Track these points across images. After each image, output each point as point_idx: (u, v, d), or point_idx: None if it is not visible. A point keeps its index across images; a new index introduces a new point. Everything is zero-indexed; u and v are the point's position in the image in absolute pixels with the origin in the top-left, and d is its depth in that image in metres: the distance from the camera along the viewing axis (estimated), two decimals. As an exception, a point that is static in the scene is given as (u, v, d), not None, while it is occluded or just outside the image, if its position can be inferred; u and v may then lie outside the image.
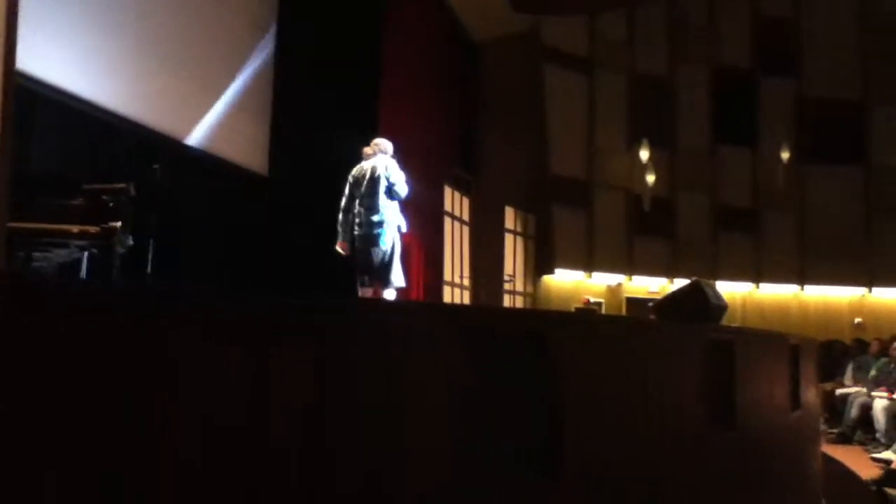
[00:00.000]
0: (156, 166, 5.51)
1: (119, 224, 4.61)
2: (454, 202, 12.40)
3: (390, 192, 6.03)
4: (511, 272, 13.01)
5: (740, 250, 14.58)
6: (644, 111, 14.46)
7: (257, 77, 8.57)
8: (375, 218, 5.97)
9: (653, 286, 14.29)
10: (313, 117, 8.91)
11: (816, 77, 14.74)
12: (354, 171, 6.24)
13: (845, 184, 14.55)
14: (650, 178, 13.54)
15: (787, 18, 15.02)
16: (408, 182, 6.26)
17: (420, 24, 10.68)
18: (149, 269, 5.34)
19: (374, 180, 6.02)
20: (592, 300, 13.86)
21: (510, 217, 13.47)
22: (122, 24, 6.27)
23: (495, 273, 12.69)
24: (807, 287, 14.73)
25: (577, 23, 14.32)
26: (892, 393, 7.61)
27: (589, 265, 14.14)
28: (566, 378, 2.10)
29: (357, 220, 6.08)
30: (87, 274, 4.72)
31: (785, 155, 13.96)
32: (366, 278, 6.12)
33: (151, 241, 5.39)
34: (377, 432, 1.59)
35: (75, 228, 4.60)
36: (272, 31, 8.87)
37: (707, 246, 14.46)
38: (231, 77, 8.04)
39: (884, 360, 8.47)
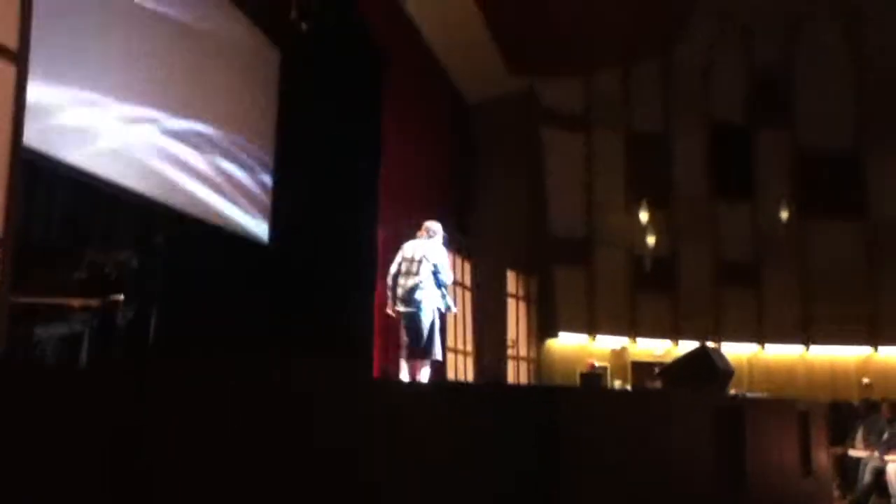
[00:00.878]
0: (158, 239, 5.53)
1: (121, 297, 4.61)
2: (455, 267, 12.40)
3: (436, 278, 6.44)
4: (514, 336, 12.92)
5: (743, 306, 14.50)
6: (641, 168, 14.58)
7: (257, 139, 8.68)
8: (418, 296, 6.33)
9: (657, 349, 14.18)
10: (313, 186, 8.98)
11: (811, 129, 14.87)
12: (406, 248, 6.64)
13: (845, 237, 14.55)
14: (651, 240, 13.58)
15: (780, 71, 15.24)
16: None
17: (417, 87, 10.89)
18: (150, 339, 5.31)
19: (421, 263, 6.42)
20: (597, 364, 13.74)
21: (511, 280, 13.45)
22: (121, 92, 6.37)
23: (498, 339, 12.60)
24: (812, 347, 14.61)
25: (572, 82, 14.55)
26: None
27: (592, 327, 14.06)
28: (578, 452, 2.07)
29: (400, 295, 6.43)
30: (89, 346, 4.68)
31: (784, 212, 14.02)
32: (405, 352, 6.51)
33: (154, 312, 5.37)
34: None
35: (77, 302, 4.59)
36: (274, 94, 9.00)
37: (709, 303, 14.39)
38: (233, 146, 8.13)
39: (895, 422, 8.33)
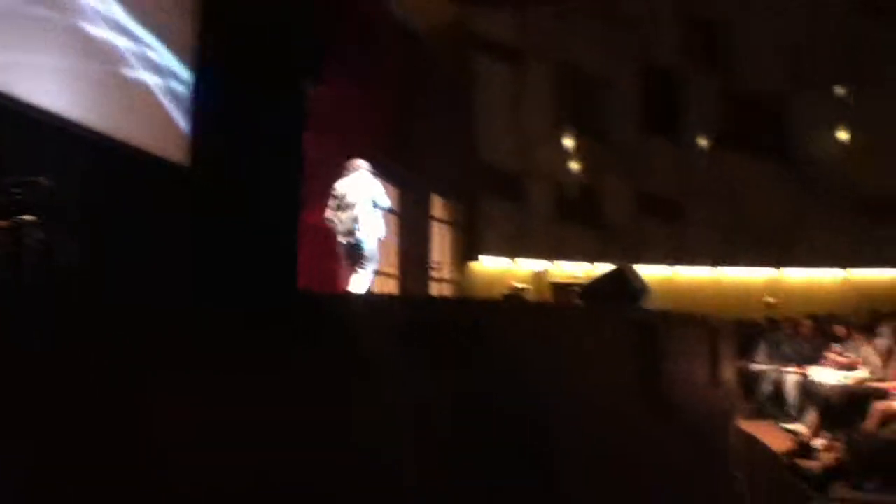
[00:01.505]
0: (76, 161, 5.32)
1: (33, 218, 4.45)
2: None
3: (375, 205, 7.18)
4: (438, 260, 13.07)
5: (663, 238, 15.02)
6: (572, 101, 14.70)
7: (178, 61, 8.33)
8: (357, 225, 7.10)
9: (578, 271, 14.60)
10: (238, 102, 8.69)
11: (740, 70, 15.18)
12: (337, 186, 7.36)
13: (765, 172, 15.10)
14: (577, 167, 13.82)
15: (714, 16, 15.40)
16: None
17: (354, 8, 10.57)
18: (65, 264, 5.15)
19: (354, 196, 7.16)
20: (518, 286, 14.07)
21: (437, 205, 13.51)
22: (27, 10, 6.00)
23: (422, 261, 12.73)
24: (724, 269, 15.31)
25: (508, 13, 14.42)
26: (803, 369, 8.00)
27: (514, 251, 14.34)
28: (500, 364, 2.15)
29: (342, 229, 7.21)
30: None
31: (702, 141, 14.43)
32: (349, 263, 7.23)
33: (69, 236, 5.21)
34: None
35: (-17, 222, 4.41)
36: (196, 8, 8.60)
37: (632, 233, 14.84)
38: (152, 63, 7.79)
39: (795, 338, 8.89)
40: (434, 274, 12.77)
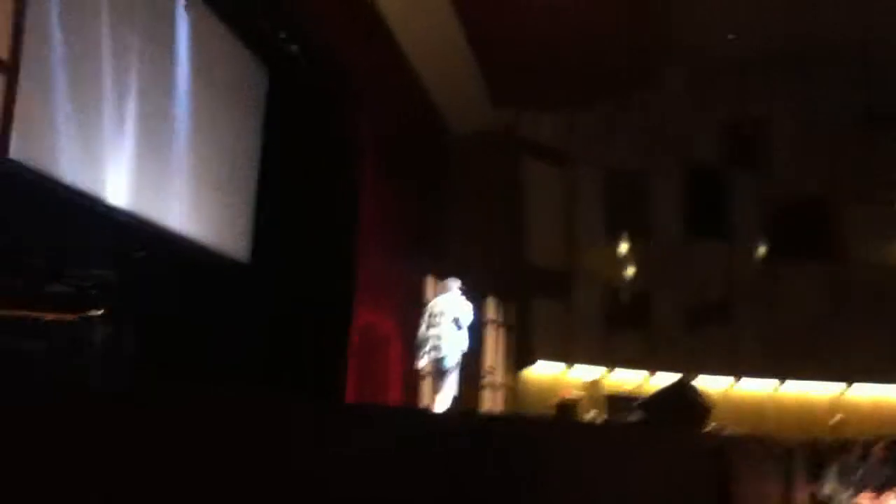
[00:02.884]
0: (139, 253, 5.46)
1: (100, 312, 4.53)
2: (436, 293, 12.37)
3: (458, 325, 7.46)
4: (492, 363, 12.89)
5: (716, 345, 14.60)
6: (621, 204, 14.72)
7: (244, 164, 8.65)
8: (442, 344, 7.37)
9: (632, 381, 14.21)
10: (295, 207, 8.96)
11: (786, 174, 15.12)
12: (430, 304, 7.79)
13: (817, 279, 14.75)
14: (629, 271, 13.70)
15: (758, 117, 15.51)
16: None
17: (402, 114, 10.92)
18: (128, 357, 5.22)
19: (442, 315, 7.46)
20: (573, 394, 13.74)
21: (491, 307, 13.44)
22: (110, 109, 6.31)
23: (475, 365, 12.55)
24: (785, 383, 14.73)
25: (555, 117, 14.72)
26: (879, 495, 7.51)
27: (568, 357, 14.08)
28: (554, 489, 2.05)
29: (429, 346, 7.44)
30: (64, 362, 4.58)
31: (758, 252, 14.22)
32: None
33: (133, 329, 5.29)
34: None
35: (51, 316, 4.49)
36: (259, 118, 8.99)
37: (683, 340, 14.48)
38: (219, 163, 8.09)
39: (868, 462, 8.40)
40: (488, 379, 12.56)
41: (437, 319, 7.56)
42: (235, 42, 8.47)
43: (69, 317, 4.60)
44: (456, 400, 7.61)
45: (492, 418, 7.22)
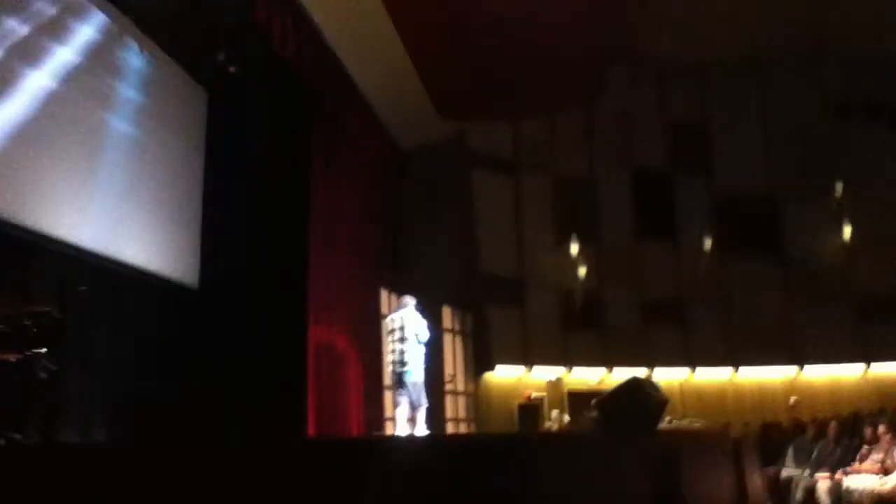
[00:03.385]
0: (82, 288, 5.34)
1: (44, 350, 4.41)
2: (391, 304, 12.34)
3: (418, 339, 7.77)
4: (451, 371, 12.89)
5: (670, 340, 14.85)
6: (569, 210, 14.90)
7: (187, 187, 8.53)
8: (407, 358, 7.71)
9: (593, 377, 14.35)
10: (243, 227, 8.86)
11: (728, 174, 15.49)
12: (388, 321, 7.99)
13: (764, 274, 15.12)
14: (581, 273, 13.87)
15: (696, 121, 15.89)
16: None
17: (348, 133, 10.87)
18: (70, 397, 5.09)
19: (403, 329, 7.78)
20: (534, 395, 13.81)
21: (447, 316, 13.46)
22: (45, 138, 6.17)
23: (436, 374, 12.55)
24: (740, 370, 15.03)
25: (501, 128, 14.86)
26: (834, 474, 7.69)
27: (527, 360, 14.16)
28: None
29: (395, 359, 7.79)
30: (7, 402, 4.45)
31: (706, 250, 14.52)
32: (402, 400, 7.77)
33: (74, 367, 5.16)
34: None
35: (-7, 357, 4.37)
36: (202, 140, 8.89)
37: (638, 336, 14.69)
38: (160, 187, 7.96)
39: (822, 441, 8.60)
40: (448, 386, 12.57)
41: (398, 334, 7.86)
42: (172, 65, 8.36)
43: (12, 357, 4.48)
44: (429, 411, 7.86)
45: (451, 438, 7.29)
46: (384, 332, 8.09)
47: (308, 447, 1.76)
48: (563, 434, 9.29)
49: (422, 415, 7.74)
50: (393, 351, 7.92)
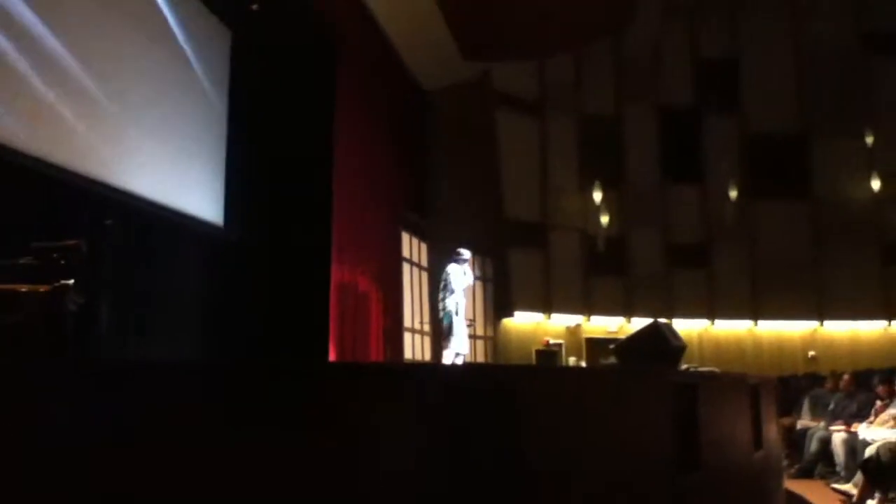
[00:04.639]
0: (108, 222, 5.41)
1: (71, 282, 4.49)
2: (412, 248, 12.40)
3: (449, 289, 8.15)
4: (471, 316, 13.00)
5: (694, 285, 14.80)
6: (594, 152, 14.73)
7: (210, 127, 8.54)
8: (440, 305, 8.25)
9: (611, 325, 14.40)
10: (268, 166, 8.89)
11: (758, 114, 15.20)
12: (448, 270, 8.30)
13: (791, 217, 14.93)
14: (604, 219, 13.77)
15: (726, 57, 15.52)
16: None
17: (372, 73, 10.78)
18: (103, 329, 5.21)
19: (446, 279, 8.23)
20: (552, 342, 13.90)
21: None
22: (70, 75, 6.19)
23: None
24: (760, 322, 15.00)
25: (526, 68, 14.61)
26: (850, 426, 7.72)
27: (547, 306, 14.21)
28: (533, 430, 2.09)
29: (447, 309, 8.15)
30: (40, 334, 4.56)
31: (733, 192, 14.33)
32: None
33: (105, 300, 5.26)
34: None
35: (24, 288, 4.46)
36: (226, 82, 8.87)
37: (661, 282, 14.65)
38: (183, 127, 7.97)
39: (839, 394, 8.61)
40: (468, 331, 12.67)
41: (453, 286, 8.18)
42: (196, 3, 8.29)
43: (42, 288, 4.57)
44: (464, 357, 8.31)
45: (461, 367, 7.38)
46: (437, 282, 8.43)
47: (338, 369, 1.80)
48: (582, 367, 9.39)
49: (461, 361, 8.22)
50: (443, 299, 8.25)
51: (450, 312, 8.12)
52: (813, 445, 8.23)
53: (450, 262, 8.40)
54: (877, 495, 6.32)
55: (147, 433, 1.40)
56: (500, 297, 13.91)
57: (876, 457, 6.35)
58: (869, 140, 13.99)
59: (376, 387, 1.80)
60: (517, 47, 13.53)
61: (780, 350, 14.77)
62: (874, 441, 6.69)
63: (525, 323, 14.12)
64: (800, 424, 8.93)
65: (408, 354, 11.42)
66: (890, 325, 14.79)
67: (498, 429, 1.95)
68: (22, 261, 4.66)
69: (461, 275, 8.29)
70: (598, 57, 15.09)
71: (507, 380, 2.16)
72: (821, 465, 8.10)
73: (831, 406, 8.55)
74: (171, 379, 1.56)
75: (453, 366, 7.42)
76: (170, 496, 1.37)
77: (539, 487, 2.09)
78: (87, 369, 1.51)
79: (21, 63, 5.59)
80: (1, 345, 4.39)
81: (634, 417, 2.64)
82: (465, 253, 8.48)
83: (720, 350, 14.59)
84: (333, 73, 9.63)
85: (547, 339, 13.92)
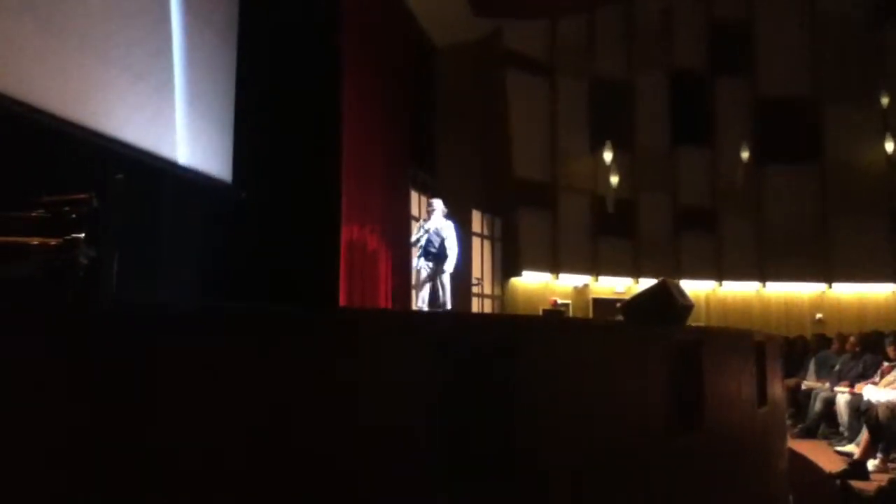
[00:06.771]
0: (119, 176, 5.41)
1: (82, 235, 4.53)
2: (420, 206, 12.39)
3: (444, 246, 8.05)
4: (479, 275, 13.04)
5: (702, 249, 14.80)
6: (605, 114, 14.62)
7: (218, 83, 8.49)
8: (425, 260, 8.11)
9: (619, 286, 14.44)
10: (275, 124, 8.84)
11: (770, 77, 15.04)
12: (422, 223, 8.38)
13: (802, 181, 14.86)
14: (614, 180, 13.71)
15: (739, 20, 15.32)
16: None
17: (380, 29, 10.66)
18: (114, 282, 5.24)
19: (429, 232, 8.15)
20: (559, 302, 13.97)
21: (476, 220, 13.50)
22: (78, 30, 6.15)
23: (463, 276, 12.70)
24: (768, 284, 15.00)
25: (537, 27, 14.44)
26: (854, 387, 7.76)
27: (555, 266, 14.24)
28: (535, 382, 2.11)
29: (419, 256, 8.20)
30: (51, 287, 4.60)
31: (744, 155, 14.23)
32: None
33: (116, 253, 5.28)
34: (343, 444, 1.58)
35: (35, 241, 4.50)
36: (233, 37, 8.79)
37: (669, 245, 14.65)
38: (191, 82, 7.93)
39: (845, 355, 8.64)
40: (475, 290, 12.74)
41: (423, 236, 8.24)
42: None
43: (53, 241, 4.60)
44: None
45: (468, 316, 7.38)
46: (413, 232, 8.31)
47: (346, 317, 1.82)
48: (579, 318, 9.42)
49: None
50: (417, 242, 8.32)
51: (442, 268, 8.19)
52: (817, 406, 8.29)
53: (433, 216, 8.42)
54: (878, 455, 6.39)
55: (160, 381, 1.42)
56: (507, 257, 13.95)
57: (876, 416, 6.40)
58: (884, 101, 13.82)
59: (374, 332, 1.80)
60: (528, 3, 13.36)
61: (788, 312, 14.80)
62: (878, 402, 6.74)
63: (533, 283, 14.17)
64: (805, 385, 8.99)
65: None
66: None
67: (496, 384, 1.97)
68: (33, 213, 4.70)
69: (421, 226, 8.39)
70: (609, 19, 14.92)
71: (507, 333, 2.18)
72: (824, 425, 8.17)
73: (837, 367, 8.59)
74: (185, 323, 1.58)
75: (453, 313, 7.40)
76: (179, 439, 1.40)
77: (538, 444, 2.11)
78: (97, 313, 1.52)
79: (36, 17, 5.56)
80: (12, 297, 4.45)
81: (637, 373, 2.66)
82: (434, 202, 8.49)
83: (727, 311, 14.64)
84: (341, 30, 9.53)
85: (554, 298, 13.98)
